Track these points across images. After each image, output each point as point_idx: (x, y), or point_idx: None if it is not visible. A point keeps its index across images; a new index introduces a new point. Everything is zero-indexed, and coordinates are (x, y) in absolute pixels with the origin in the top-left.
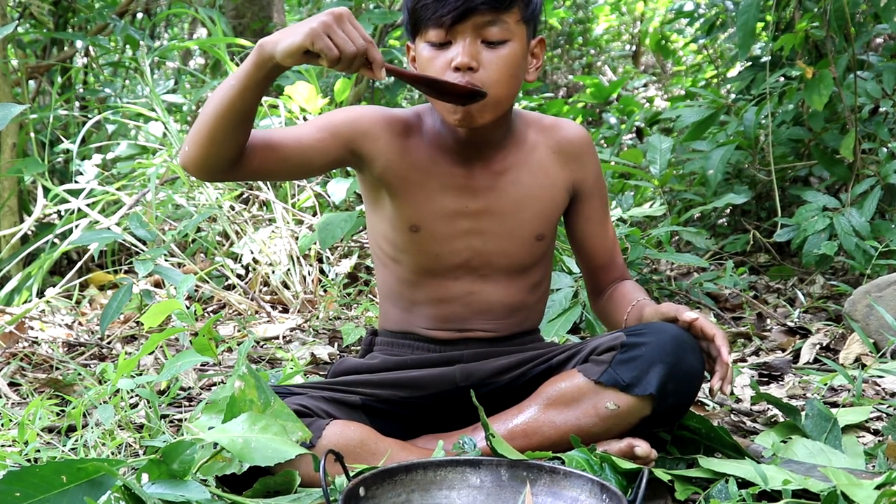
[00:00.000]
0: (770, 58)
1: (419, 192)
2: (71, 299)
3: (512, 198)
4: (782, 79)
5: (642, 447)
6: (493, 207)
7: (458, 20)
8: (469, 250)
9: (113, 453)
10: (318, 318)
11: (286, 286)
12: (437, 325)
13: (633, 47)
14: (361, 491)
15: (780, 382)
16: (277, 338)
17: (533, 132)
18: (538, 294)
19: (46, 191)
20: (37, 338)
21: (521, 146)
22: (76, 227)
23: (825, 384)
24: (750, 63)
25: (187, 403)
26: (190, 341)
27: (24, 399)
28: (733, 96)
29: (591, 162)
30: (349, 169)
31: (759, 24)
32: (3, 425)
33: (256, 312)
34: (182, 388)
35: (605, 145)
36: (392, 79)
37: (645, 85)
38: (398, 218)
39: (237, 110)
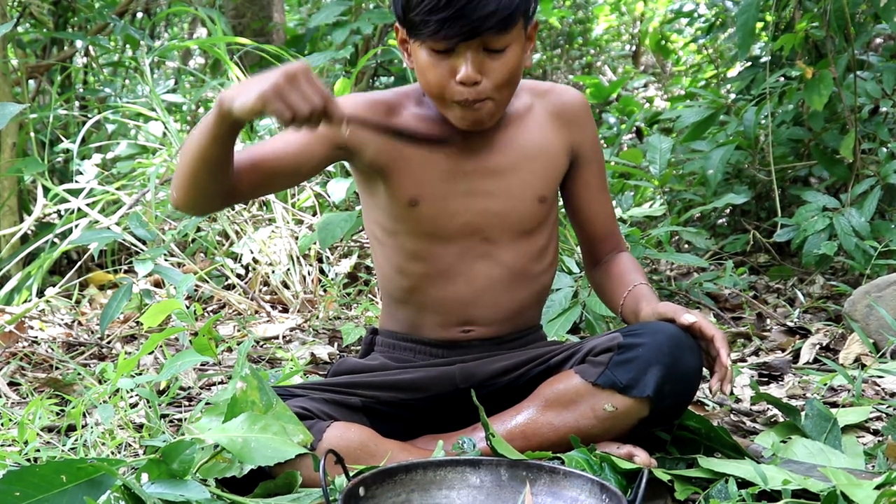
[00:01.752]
0: (770, 58)
1: (415, 163)
2: (71, 299)
3: (510, 158)
4: (782, 79)
5: (641, 457)
6: (490, 167)
7: (466, 40)
8: (468, 212)
9: (113, 453)
10: (317, 317)
11: (286, 286)
12: (442, 318)
13: (633, 47)
14: (361, 491)
15: (780, 382)
16: (277, 338)
17: (528, 96)
18: (543, 265)
19: (46, 190)
20: (37, 337)
21: (517, 108)
22: (76, 226)
23: (825, 384)
24: (750, 63)
25: (187, 403)
26: (190, 341)
27: (24, 398)
28: (733, 96)
29: (588, 126)
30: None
31: (759, 24)
32: (2, 425)
33: (256, 312)
34: (182, 388)
35: (605, 145)
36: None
37: (645, 85)
38: (396, 195)
39: (210, 159)
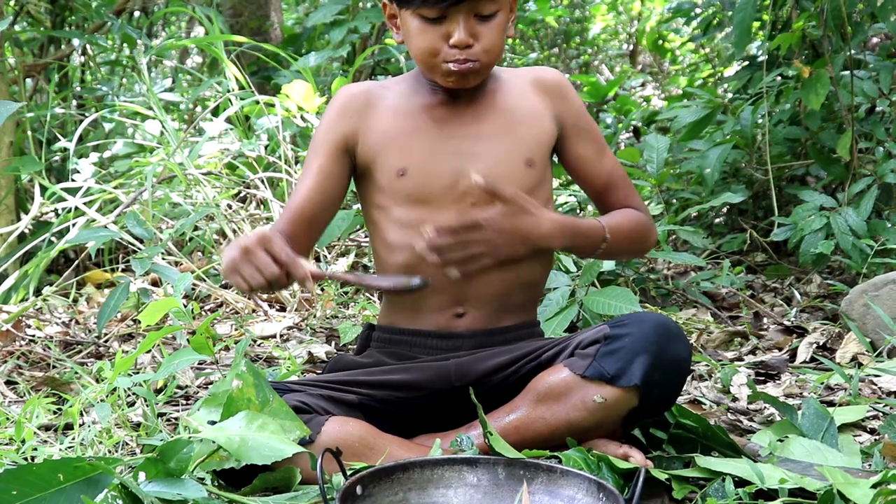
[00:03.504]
0: (767, 57)
1: (401, 136)
2: (68, 297)
3: (496, 121)
4: (779, 78)
5: (637, 458)
6: (478, 131)
7: (456, 3)
8: (456, 174)
9: (110, 451)
10: (315, 316)
11: None
12: (436, 295)
13: (630, 46)
14: (358, 489)
15: (777, 381)
16: (274, 336)
17: (508, 74)
18: None
19: (43, 189)
20: (34, 336)
21: (499, 80)
22: (73, 225)
23: (822, 383)
24: (747, 62)
25: (184, 402)
26: (187, 340)
27: (21, 397)
28: (730, 95)
29: (570, 97)
30: None
31: (756, 24)
32: (0, 423)
33: (253, 311)
34: (179, 387)
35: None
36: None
37: (642, 84)
38: (384, 168)
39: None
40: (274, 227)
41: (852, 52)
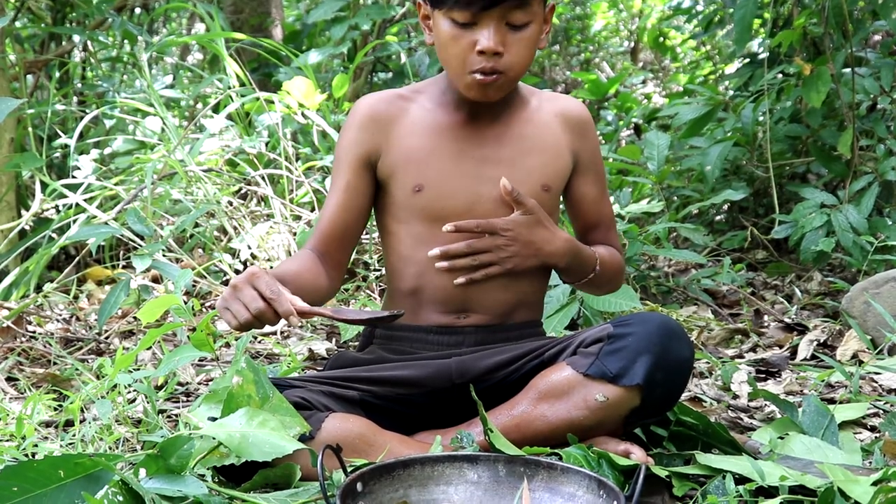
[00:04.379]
0: (768, 54)
1: (421, 153)
2: (69, 294)
3: (516, 147)
4: (780, 75)
5: (638, 454)
6: (497, 155)
7: (488, 7)
8: (472, 196)
9: (111, 448)
10: None
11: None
12: (441, 301)
13: (631, 44)
14: (359, 486)
15: (778, 379)
16: (275, 333)
17: (536, 99)
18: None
19: (44, 186)
20: (35, 332)
21: (525, 105)
22: (74, 222)
23: (822, 380)
24: (748, 60)
25: (185, 398)
26: (188, 336)
27: (22, 394)
28: (731, 93)
29: (591, 137)
30: None
31: (757, 21)
32: (0, 420)
33: None
34: (180, 384)
35: (604, 142)
36: (390, 74)
37: (643, 81)
38: (402, 184)
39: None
40: (307, 245)
41: (853, 49)
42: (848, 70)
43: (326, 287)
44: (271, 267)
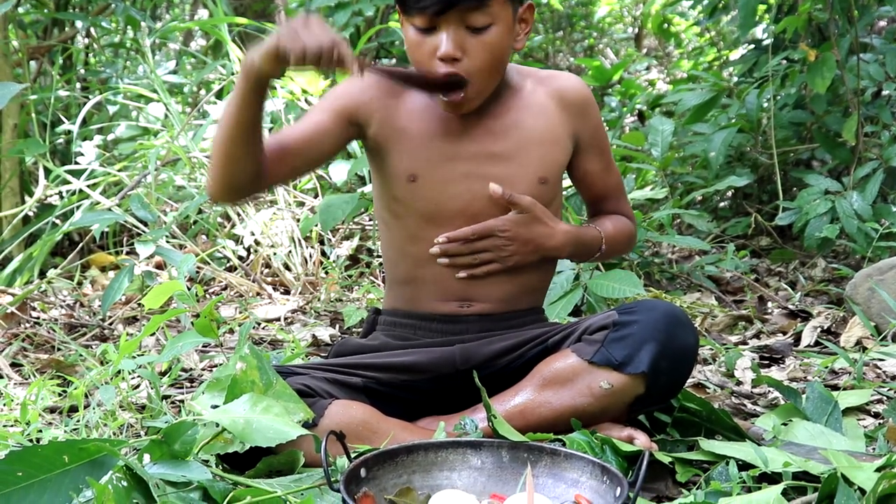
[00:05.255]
0: (772, 40)
1: (414, 139)
2: (72, 280)
3: (512, 140)
4: (785, 61)
5: (641, 440)
6: (492, 150)
7: (442, 12)
8: (469, 194)
9: (115, 434)
10: (319, 299)
11: (287, 268)
12: (441, 293)
13: (635, 30)
14: (363, 472)
15: (781, 365)
16: (279, 319)
17: (530, 82)
18: None
19: (48, 172)
20: (39, 318)
21: (519, 93)
22: (77, 208)
23: (826, 367)
24: (752, 46)
25: (189, 384)
26: (192, 323)
27: (26, 380)
28: (735, 79)
29: (592, 115)
30: (350, 150)
31: (762, 7)
32: (5, 405)
33: (258, 294)
34: (184, 370)
35: (607, 128)
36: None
37: (647, 68)
38: (396, 170)
39: (241, 124)
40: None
41: (859, 35)
42: (853, 56)
43: (257, 166)
44: (275, 254)
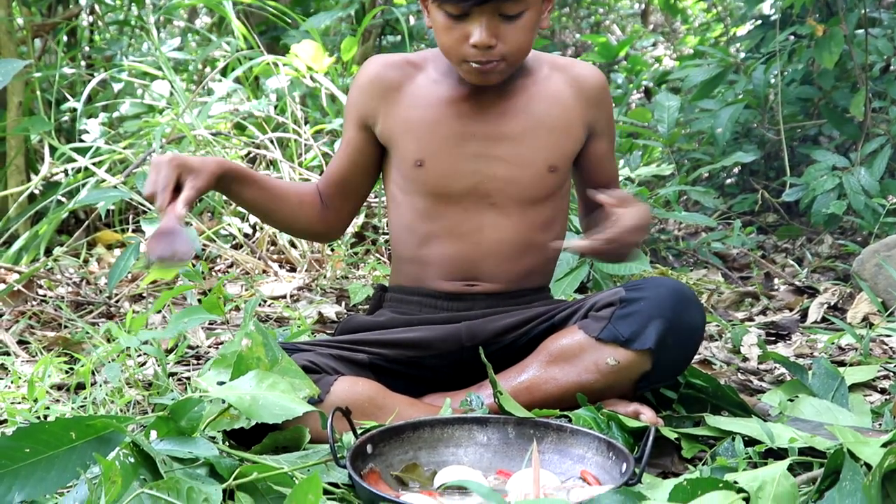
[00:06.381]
0: (780, 16)
1: (420, 126)
2: (78, 258)
3: (523, 124)
4: (792, 37)
5: (648, 415)
6: (502, 132)
7: (480, 3)
8: (477, 175)
9: (121, 410)
10: (325, 277)
11: (293, 245)
12: (447, 272)
13: (642, 6)
14: (369, 448)
15: (788, 341)
16: (285, 297)
17: (546, 68)
18: (550, 236)
19: (53, 149)
20: (45, 296)
21: (534, 76)
22: (83, 185)
23: (832, 343)
24: (759, 21)
25: (195, 362)
26: (198, 300)
27: (34, 357)
28: (742, 55)
29: (606, 105)
30: None
31: None
32: (12, 383)
33: (264, 271)
34: (190, 347)
35: (614, 105)
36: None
37: (653, 44)
38: (403, 156)
39: (251, 210)
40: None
41: (867, 9)
42: (861, 31)
43: (315, 222)
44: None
